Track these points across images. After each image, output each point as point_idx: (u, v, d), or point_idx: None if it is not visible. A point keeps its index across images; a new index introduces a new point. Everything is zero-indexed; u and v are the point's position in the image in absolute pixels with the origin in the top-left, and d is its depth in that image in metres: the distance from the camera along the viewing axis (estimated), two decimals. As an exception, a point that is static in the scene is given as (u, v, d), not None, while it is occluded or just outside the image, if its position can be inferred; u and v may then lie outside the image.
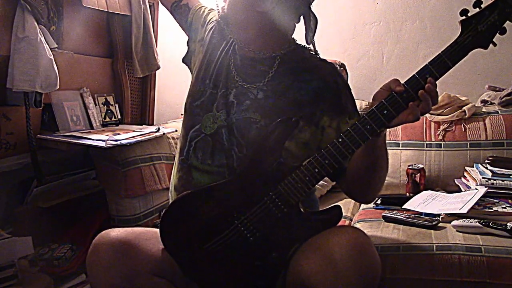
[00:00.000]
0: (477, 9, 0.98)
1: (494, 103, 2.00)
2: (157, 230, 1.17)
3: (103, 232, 1.10)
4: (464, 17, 0.98)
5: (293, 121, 1.09)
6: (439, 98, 1.90)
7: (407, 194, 1.81)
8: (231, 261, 1.12)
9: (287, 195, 1.07)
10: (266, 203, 1.08)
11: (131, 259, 1.05)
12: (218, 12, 1.28)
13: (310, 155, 1.17)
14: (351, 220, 1.73)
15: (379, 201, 1.75)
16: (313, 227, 1.09)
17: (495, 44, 0.98)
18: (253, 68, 1.23)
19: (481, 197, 1.53)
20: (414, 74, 0.99)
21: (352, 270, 0.95)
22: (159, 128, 1.83)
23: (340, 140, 1.02)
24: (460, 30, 0.99)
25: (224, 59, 1.26)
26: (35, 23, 1.54)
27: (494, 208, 1.49)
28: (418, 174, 1.82)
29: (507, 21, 0.97)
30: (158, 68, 2.13)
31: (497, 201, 1.56)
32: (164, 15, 2.29)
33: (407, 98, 0.98)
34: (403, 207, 1.62)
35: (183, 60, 1.43)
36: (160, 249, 1.13)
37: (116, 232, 1.08)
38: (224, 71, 1.25)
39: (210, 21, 1.36)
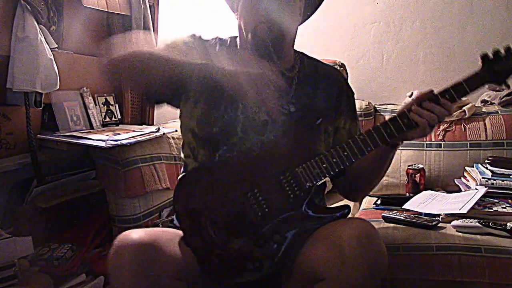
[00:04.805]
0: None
1: (494, 103, 2.00)
2: (176, 230, 1.16)
3: (125, 234, 1.06)
4: (486, 55, 1.10)
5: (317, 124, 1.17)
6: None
7: (407, 194, 1.81)
8: (236, 235, 1.11)
9: (302, 178, 1.10)
10: (281, 182, 1.11)
11: (155, 262, 1.02)
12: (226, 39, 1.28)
13: None
14: (351, 220, 1.73)
15: (379, 201, 1.75)
16: (320, 219, 1.11)
17: (508, 86, 1.12)
18: (276, 82, 1.18)
19: (481, 197, 1.53)
20: (436, 94, 1.08)
21: (360, 259, 0.97)
22: (159, 128, 1.83)
23: (361, 137, 1.10)
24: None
25: (238, 78, 1.17)
26: (35, 23, 1.54)
27: (494, 208, 1.49)
28: (418, 174, 1.82)
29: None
30: (158, 68, 2.13)
31: (497, 201, 1.56)
32: (164, 15, 2.29)
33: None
34: (403, 207, 1.62)
35: (172, 104, 1.27)
36: (182, 251, 1.11)
37: (138, 235, 1.05)
38: (243, 90, 1.16)
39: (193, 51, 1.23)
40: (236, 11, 1.26)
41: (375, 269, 0.98)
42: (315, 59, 1.32)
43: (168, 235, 1.13)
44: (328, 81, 1.26)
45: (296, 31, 1.26)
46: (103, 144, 1.58)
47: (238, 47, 1.27)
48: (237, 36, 1.27)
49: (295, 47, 1.30)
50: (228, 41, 1.29)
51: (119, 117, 2.03)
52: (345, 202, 1.88)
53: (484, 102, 2.05)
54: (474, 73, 1.09)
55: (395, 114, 1.11)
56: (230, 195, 1.12)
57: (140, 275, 0.99)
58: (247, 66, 1.14)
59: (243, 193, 1.11)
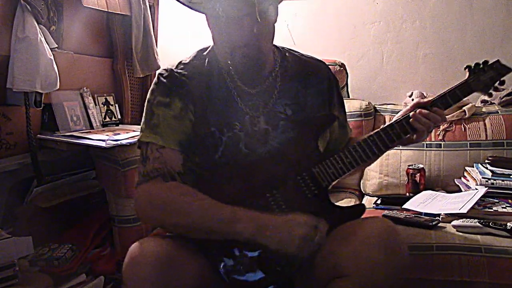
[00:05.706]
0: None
1: (494, 103, 2.00)
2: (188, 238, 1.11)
3: (141, 243, 1.01)
4: (471, 66, 1.20)
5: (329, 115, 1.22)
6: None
7: (407, 194, 1.81)
8: None
9: (319, 178, 1.13)
10: (299, 182, 1.13)
11: (174, 274, 0.98)
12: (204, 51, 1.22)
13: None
14: (351, 220, 1.73)
15: (379, 201, 1.75)
16: (337, 218, 1.12)
17: (490, 95, 1.23)
18: (257, 85, 1.18)
19: (481, 197, 1.53)
20: (430, 102, 1.17)
21: (385, 257, 0.98)
22: (159, 128, 1.83)
23: (372, 138, 1.16)
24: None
25: (220, 99, 1.16)
26: (35, 23, 1.54)
27: (494, 208, 1.49)
28: (418, 174, 1.82)
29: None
30: (158, 68, 2.13)
31: (497, 201, 1.56)
32: (164, 15, 2.29)
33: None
34: (403, 207, 1.62)
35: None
36: (199, 262, 1.07)
37: (157, 245, 1.00)
38: (229, 109, 1.16)
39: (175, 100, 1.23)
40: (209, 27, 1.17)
41: (398, 267, 1.00)
42: (297, 53, 1.27)
43: (184, 245, 1.07)
44: (317, 77, 1.24)
45: (274, 29, 1.15)
46: (103, 144, 1.58)
47: (219, 60, 1.18)
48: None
49: (289, 46, 1.28)
50: (207, 56, 1.21)
51: (119, 117, 2.03)
52: (348, 200, 1.89)
53: (484, 102, 2.05)
54: (464, 81, 1.18)
55: (400, 117, 1.18)
56: (248, 201, 1.08)
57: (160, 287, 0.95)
58: (231, 88, 1.16)
59: (262, 194, 1.11)
